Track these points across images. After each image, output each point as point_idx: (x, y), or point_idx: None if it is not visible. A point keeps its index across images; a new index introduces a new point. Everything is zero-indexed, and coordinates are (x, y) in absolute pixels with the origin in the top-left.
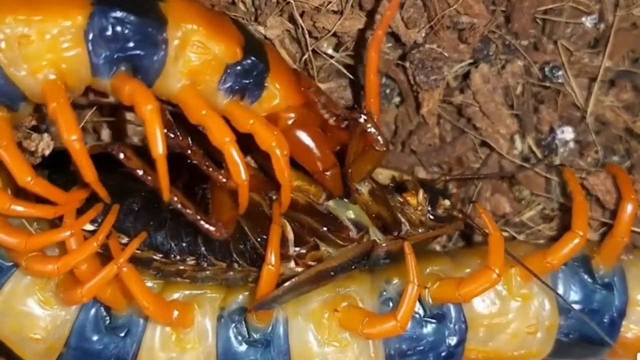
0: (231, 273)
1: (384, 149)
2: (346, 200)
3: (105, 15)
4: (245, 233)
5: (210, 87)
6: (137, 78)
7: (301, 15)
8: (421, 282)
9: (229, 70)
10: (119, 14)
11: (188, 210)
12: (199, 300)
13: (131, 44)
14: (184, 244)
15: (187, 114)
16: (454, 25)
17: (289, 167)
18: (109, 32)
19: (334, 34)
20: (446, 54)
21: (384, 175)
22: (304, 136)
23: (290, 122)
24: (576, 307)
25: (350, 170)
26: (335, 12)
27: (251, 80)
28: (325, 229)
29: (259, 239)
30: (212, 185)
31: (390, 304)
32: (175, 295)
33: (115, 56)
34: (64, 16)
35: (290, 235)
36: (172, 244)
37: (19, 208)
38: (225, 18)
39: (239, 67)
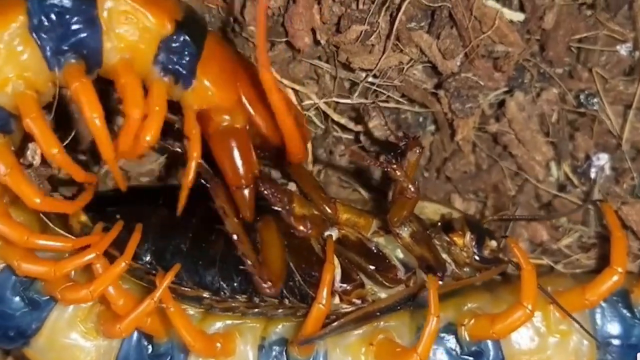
0: (281, 310)
1: (414, 196)
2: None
3: (40, 5)
4: (292, 269)
5: (146, 62)
6: (88, 63)
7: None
8: (459, 319)
9: (162, 45)
10: (51, 1)
11: (249, 261)
12: (241, 330)
13: (71, 28)
14: (235, 284)
15: (116, 84)
16: (489, 54)
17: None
18: (47, 22)
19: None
20: (481, 83)
21: (429, 209)
22: (231, 145)
23: (223, 124)
24: (615, 341)
25: (388, 216)
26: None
27: (183, 62)
28: (373, 268)
29: (304, 275)
30: (263, 231)
31: None
32: (217, 325)
33: (61, 45)
34: (7, 21)
35: (337, 271)
36: (223, 284)
37: (38, 241)
38: None
39: (171, 43)
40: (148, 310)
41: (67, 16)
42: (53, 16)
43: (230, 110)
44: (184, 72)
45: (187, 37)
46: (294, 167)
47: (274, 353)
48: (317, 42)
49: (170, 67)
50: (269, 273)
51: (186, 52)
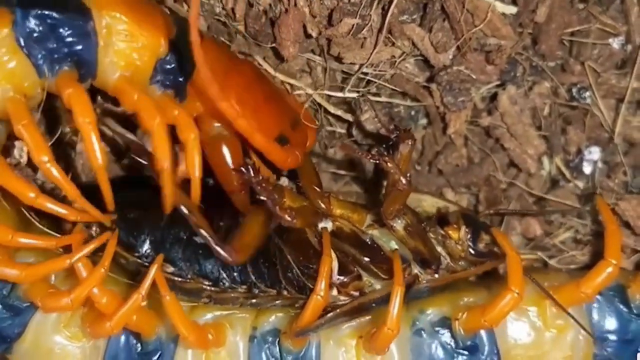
0: (279, 301)
1: (406, 188)
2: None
3: (26, 17)
4: (290, 262)
5: (143, 81)
6: (81, 73)
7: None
8: (454, 314)
9: (158, 65)
10: (39, 12)
11: (202, 230)
12: (231, 320)
13: (63, 39)
14: (235, 274)
15: (122, 102)
16: (481, 47)
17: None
18: (37, 32)
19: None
20: (473, 76)
21: (427, 202)
22: (223, 152)
23: (214, 131)
24: (611, 337)
25: (382, 209)
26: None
27: (179, 80)
28: (367, 259)
29: (301, 267)
30: (250, 215)
31: (423, 334)
32: (206, 316)
33: (54, 55)
34: None
35: (335, 264)
36: (224, 274)
37: (22, 239)
38: (158, 9)
39: (166, 63)
40: (137, 305)
41: (59, 28)
42: (43, 28)
43: (220, 118)
44: (180, 88)
45: (181, 56)
46: None
47: (266, 344)
48: (308, 35)
49: (168, 83)
50: (236, 242)
51: (181, 70)
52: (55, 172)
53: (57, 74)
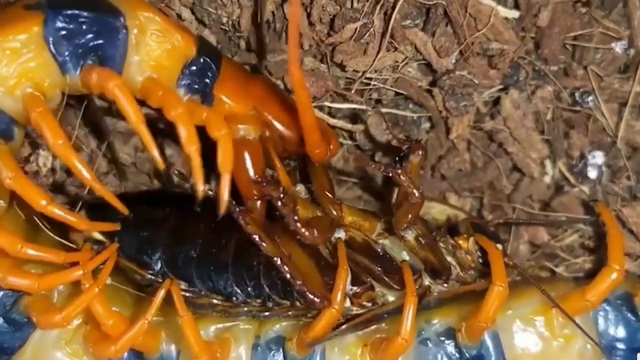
0: (291, 312)
1: (419, 202)
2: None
3: (57, 17)
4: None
5: (170, 82)
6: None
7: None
8: (458, 325)
9: (186, 69)
10: (69, 12)
11: (298, 281)
12: (234, 333)
13: (90, 35)
14: (249, 289)
15: (149, 100)
16: (483, 52)
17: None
18: (66, 31)
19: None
20: (476, 81)
21: (436, 209)
22: (245, 156)
23: (238, 134)
24: (620, 345)
25: (394, 220)
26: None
27: (206, 82)
28: (380, 270)
29: None
30: (287, 249)
31: (429, 344)
32: (209, 329)
33: (79, 50)
34: (19, 32)
35: (348, 274)
36: (237, 289)
37: (30, 251)
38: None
39: (194, 66)
40: (143, 330)
41: (84, 26)
42: (70, 26)
43: (244, 120)
44: (207, 91)
45: (207, 59)
46: (313, 166)
47: (271, 352)
48: (310, 45)
49: (195, 87)
50: (313, 287)
51: (208, 73)
52: (70, 155)
53: (81, 69)
